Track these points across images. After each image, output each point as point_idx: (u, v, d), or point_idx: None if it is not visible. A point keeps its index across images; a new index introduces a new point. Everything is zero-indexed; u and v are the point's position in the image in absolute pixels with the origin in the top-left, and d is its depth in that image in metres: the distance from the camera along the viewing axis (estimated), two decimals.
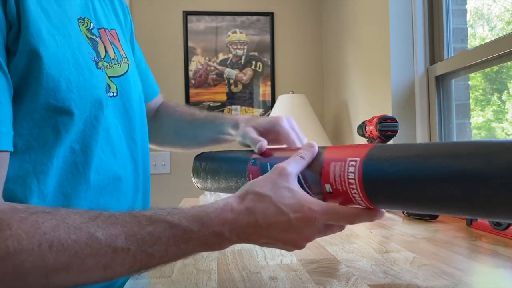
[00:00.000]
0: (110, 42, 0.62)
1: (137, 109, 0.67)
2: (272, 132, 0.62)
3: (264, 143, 0.59)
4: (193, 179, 0.72)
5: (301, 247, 0.47)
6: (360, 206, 0.45)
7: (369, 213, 0.45)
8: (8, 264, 0.37)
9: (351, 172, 0.43)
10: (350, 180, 0.43)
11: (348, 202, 0.45)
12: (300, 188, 0.46)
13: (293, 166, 0.47)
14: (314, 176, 0.48)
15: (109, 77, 0.59)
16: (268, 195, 0.44)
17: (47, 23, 0.48)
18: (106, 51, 0.60)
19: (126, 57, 0.66)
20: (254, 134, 0.62)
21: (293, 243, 0.46)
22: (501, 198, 0.33)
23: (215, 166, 0.65)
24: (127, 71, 0.65)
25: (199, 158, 0.72)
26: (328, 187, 0.46)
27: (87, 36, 0.56)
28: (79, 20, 0.56)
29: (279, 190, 0.45)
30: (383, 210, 0.46)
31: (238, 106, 2.32)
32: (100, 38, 0.60)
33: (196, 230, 0.43)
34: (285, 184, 0.45)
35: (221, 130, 0.71)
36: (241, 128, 0.65)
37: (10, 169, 0.46)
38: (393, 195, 0.41)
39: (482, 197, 0.35)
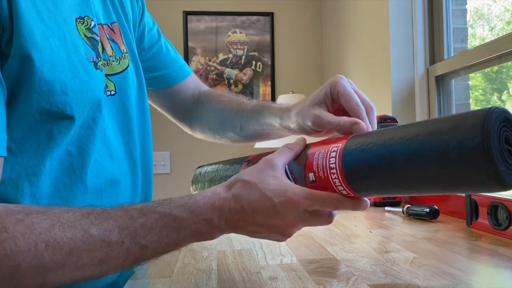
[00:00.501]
0: (108, 38, 0.61)
1: (137, 106, 0.66)
2: (335, 101, 0.54)
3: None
4: (191, 189, 0.71)
5: (287, 235, 0.47)
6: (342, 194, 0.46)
7: (353, 200, 0.45)
8: (5, 266, 0.37)
9: (332, 157, 0.45)
10: (331, 165, 0.44)
11: (331, 190, 0.46)
12: (285, 177, 0.47)
13: (280, 157, 0.49)
14: (300, 168, 0.49)
15: (107, 75, 0.58)
16: (253, 182, 0.45)
17: (41, 25, 0.47)
18: (103, 48, 0.58)
19: (126, 52, 0.64)
20: (331, 117, 0.52)
21: (278, 230, 0.46)
22: (463, 169, 0.35)
23: (213, 172, 0.65)
24: (127, 67, 0.63)
25: (198, 168, 0.72)
26: (311, 176, 0.47)
27: (86, 36, 0.55)
28: (78, 20, 0.54)
29: (264, 177, 0.46)
30: (366, 199, 0.47)
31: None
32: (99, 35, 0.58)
33: (186, 218, 0.44)
34: (271, 172, 0.46)
35: (267, 122, 0.65)
36: (296, 114, 0.57)
37: (2, 172, 0.45)
38: (369, 180, 0.42)
39: (445, 174, 0.36)
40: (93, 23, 0.57)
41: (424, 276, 0.52)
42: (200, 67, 2.30)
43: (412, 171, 0.39)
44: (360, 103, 0.51)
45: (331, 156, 0.45)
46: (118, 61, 0.62)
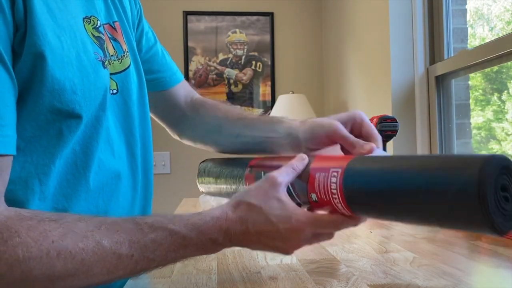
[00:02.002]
0: (110, 37, 0.61)
1: (138, 104, 0.66)
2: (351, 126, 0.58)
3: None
4: (197, 183, 0.73)
5: (290, 253, 0.50)
6: (344, 214, 0.47)
7: (354, 220, 0.48)
8: (17, 271, 0.37)
9: (333, 182, 0.46)
10: (333, 190, 0.46)
11: (333, 210, 0.48)
12: (289, 199, 0.49)
13: (284, 176, 0.50)
14: (302, 185, 0.50)
15: (110, 74, 0.58)
16: (259, 206, 0.48)
17: (52, 23, 0.48)
18: (107, 48, 0.59)
19: (127, 52, 0.65)
20: (348, 133, 0.56)
21: (281, 250, 0.49)
22: (457, 212, 0.36)
23: (217, 173, 0.67)
24: (128, 66, 0.63)
25: (203, 163, 0.73)
26: (314, 196, 0.49)
27: (94, 35, 0.55)
28: (85, 20, 0.55)
29: (269, 200, 0.48)
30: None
31: (238, 106, 2.32)
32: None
33: (194, 237, 0.46)
34: (276, 194, 0.48)
35: (275, 130, 0.64)
36: (302, 128, 0.60)
37: (12, 171, 0.46)
38: (369, 206, 0.45)
39: (442, 210, 0.37)
40: (99, 22, 0.57)
41: (424, 276, 0.52)
42: (200, 67, 2.30)
43: (412, 205, 0.40)
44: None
45: (332, 181, 0.46)
46: (119, 60, 0.62)
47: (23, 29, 0.44)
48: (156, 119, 0.85)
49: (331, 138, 0.56)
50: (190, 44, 2.29)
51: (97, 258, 0.41)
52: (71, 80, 0.49)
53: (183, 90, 0.82)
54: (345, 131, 0.56)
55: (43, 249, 0.38)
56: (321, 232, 0.49)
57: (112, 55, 0.60)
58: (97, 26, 0.57)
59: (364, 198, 0.44)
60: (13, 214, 0.40)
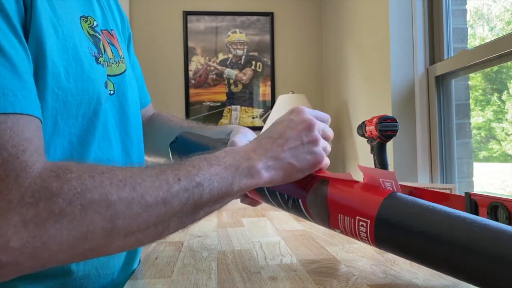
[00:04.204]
0: (108, 42, 0.64)
1: (133, 108, 0.68)
2: None
3: None
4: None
5: (317, 140, 0.53)
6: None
7: None
8: (76, 204, 0.37)
9: (362, 231, 0.46)
10: (362, 234, 0.46)
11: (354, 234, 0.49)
12: None
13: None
14: (320, 212, 0.51)
15: (108, 75, 0.61)
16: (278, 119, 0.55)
17: (51, 13, 0.50)
18: (104, 51, 0.61)
19: (123, 58, 0.68)
20: None
21: (306, 133, 0.52)
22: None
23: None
24: (124, 71, 0.66)
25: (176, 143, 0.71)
26: (338, 230, 0.50)
27: (89, 33, 0.58)
28: (82, 18, 0.57)
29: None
30: None
31: (238, 106, 2.32)
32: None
33: (225, 155, 0.48)
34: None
35: (218, 133, 0.71)
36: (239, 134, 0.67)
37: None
38: (401, 253, 0.45)
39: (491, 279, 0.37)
40: (95, 23, 0.60)
41: (424, 276, 0.52)
42: (200, 67, 2.30)
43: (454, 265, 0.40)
44: None
45: (360, 230, 0.46)
46: (117, 64, 0.65)
47: (29, 11, 0.46)
48: None
49: None
50: (190, 44, 2.29)
51: (147, 184, 0.41)
52: (65, 68, 0.50)
53: (147, 112, 0.89)
54: None
55: (97, 179, 0.38)
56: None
57: (110, 58, 0.63)
58: (93, 26, 0.59)
59: (396, 247, 0.44)
60: (58, 161, 0.41)
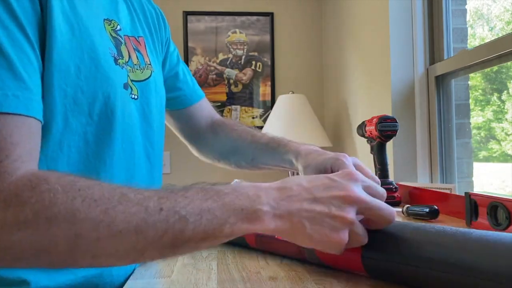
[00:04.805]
0: (134, 48, 0.65)
1: (157, 116, 0.69)
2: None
3: None
4: None
5: (349, 220, 0.42)
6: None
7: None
8: (42, 217, 0.37)
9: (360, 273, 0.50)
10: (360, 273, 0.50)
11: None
12: None
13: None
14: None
15: (132, 80, 0.62)
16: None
17: (70, 12, 0.51)
18: (129, 56, 0.63)
19: (150, 64, 0.69)
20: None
21: (339, 205, 0.42)
22: None
23: None
24: (149, 77, 0.67)
25: None
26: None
27: (111, 35, 0.59)
28: (106, 20, 0.59)
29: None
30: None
31: (238, 106, 2.32)
32: (124, 43, 0.63)
33: (229, 191, 0.42)
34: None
35: (284, 159, 0.71)
36: (301, 162, 0.66)
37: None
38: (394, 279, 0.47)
39: None
40: (119, 26, 0.62)
41: None
42: (200, 67, 2.30)
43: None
44: None
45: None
46: (141, 70, 0.66)
47: (45, 9, 0.47)
48: (180, 137, 0.91)
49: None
50: (190, 44, 2.29)
51: (122, 209, 0.38)
52: (77, 66, 0.51)
53: (203, 109, 0.88)
54: (352, 168, 0.56)
55: (69, 195, 0.37)
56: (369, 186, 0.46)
57: (135, 64, 0.64)
58: (116, 29, 0.61)
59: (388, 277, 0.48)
60: (45, 170, 0.41)
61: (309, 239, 0.43)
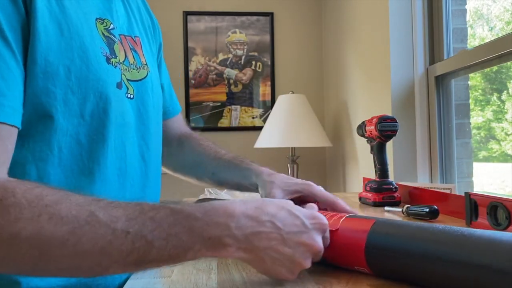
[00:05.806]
0: (131, 48, 0.65)
1: (153, 116, 0.68)
2: (302, 196, 0.66)
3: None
4: None
5: (306, 263, 0.46)
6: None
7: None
8: (6, 231, 0.36)
9: (360, 269, 0.51)
10: (360, 269, 0.51)
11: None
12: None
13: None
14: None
15: (128, 80, 0.61)
16: (281, 205, 0.47)
17: (59, 12, 0.50)
18: (125, 56, 0.62)
19: (146, 64, 0.68)
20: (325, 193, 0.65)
21: (303, 252, 0.45)
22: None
23: None
24: (145, 77, 0.67)
25: None
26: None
27: (104, 34, 0.58)
28: (98, 20, 0.58)
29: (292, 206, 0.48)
30: None
31: (238, 106, 2.32)
32: (120, 42, 0.62)
33: (199, 216, 0.42)
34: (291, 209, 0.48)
35: (244, 176, 0.73)
36: (262, 180, 0.68)
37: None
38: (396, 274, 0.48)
39: None
40: (112, 26, 0.61)
41: None
42: (200, 67, 2.30)
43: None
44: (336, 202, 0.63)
45: (358, 269, 0.51)
46: (138, 70, 0.65)
47: (29, 12, 0.47)
48: None
49: (306, 199, 0.64)
50: (190, 44, 2.29)
51: (89, 229, 0.38)
52: (66, 66, 0.50)
53: (176, 122, 0.89)
54: (323, 192, 0.65)
55: (36, 211, 0.37)
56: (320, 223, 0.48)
57: (131, 64, 0.64)
58: (109, 28, 0.60)
59: (391, 273, 0.48)
60: (13, 180, 0.40)
61: (265, 271, 0.46)
